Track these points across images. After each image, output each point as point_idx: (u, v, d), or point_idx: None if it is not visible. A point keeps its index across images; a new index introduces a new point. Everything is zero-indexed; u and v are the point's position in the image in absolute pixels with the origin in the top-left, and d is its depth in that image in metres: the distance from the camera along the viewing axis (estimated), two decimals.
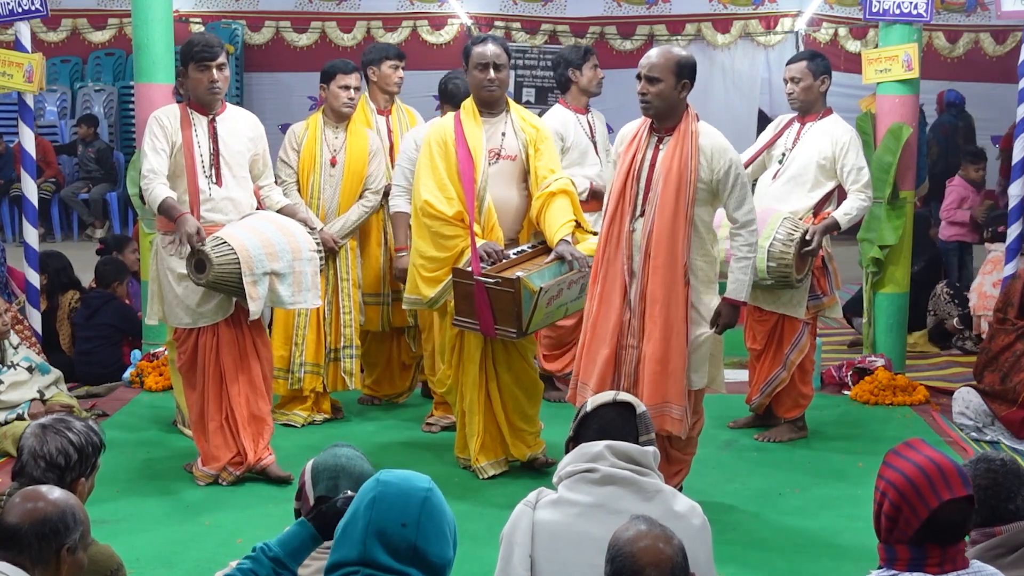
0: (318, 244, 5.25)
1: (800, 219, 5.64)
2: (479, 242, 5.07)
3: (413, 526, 2.26)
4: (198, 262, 4.92)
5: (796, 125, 5.88)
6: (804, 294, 5.73)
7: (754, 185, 6.15)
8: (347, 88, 6.08)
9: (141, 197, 5.29)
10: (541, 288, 4.86)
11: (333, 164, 6.12)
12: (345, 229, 6.09)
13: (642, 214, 4.54)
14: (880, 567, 2.58)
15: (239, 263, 4.91)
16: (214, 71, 5.10)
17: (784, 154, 5.85)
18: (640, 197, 4.55)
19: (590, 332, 4.68)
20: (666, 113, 4.56)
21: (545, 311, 4.98)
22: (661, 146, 4.56)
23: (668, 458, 4.57)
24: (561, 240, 5.03)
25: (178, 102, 5.45)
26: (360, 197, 6.16)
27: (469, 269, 5.00)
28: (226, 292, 5.05)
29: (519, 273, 4.91)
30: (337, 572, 2.30)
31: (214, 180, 5.13)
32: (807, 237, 5.51)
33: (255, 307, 5.01)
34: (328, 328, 6.17)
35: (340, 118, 6.15)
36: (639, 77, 4.56)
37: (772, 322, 5.84)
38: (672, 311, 4.51)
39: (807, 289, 5.73)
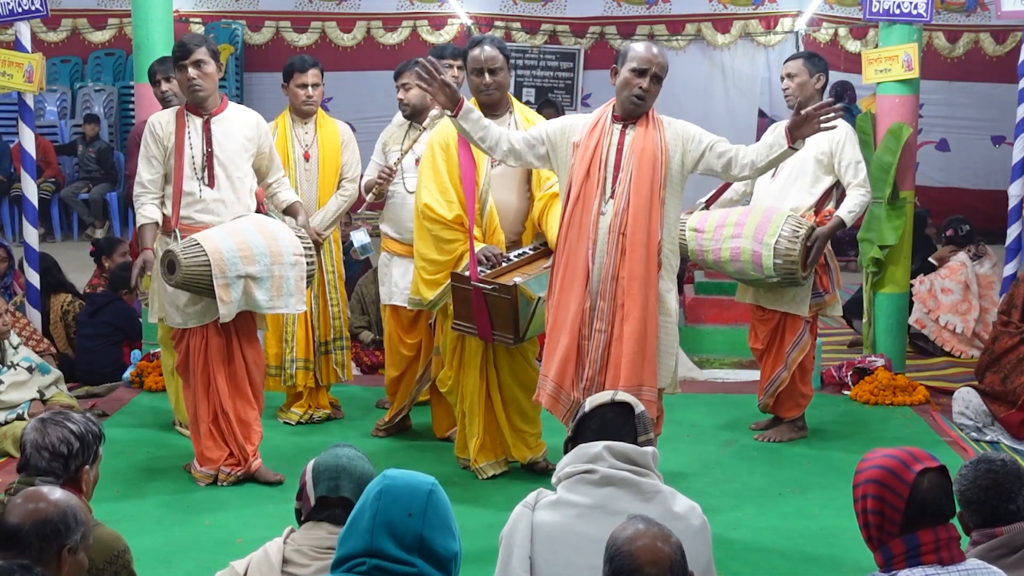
0: (308, 249, 5.23)
1: (802, 216, 5.65)
2: (478, 246, 5.06)
3: (419, 516, 2.30)
4: (169, 263, 4.93)
5: None
6: (808, 291, 5.74)
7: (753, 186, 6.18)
8: (304, 86, 6.09)
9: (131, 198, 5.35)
10: (540, 297, 4.84)
11: (307, 159, 6.14)
12: (326, 221, 6.10)
13: (612, 196, 4.51)
14: (876, 574, 2.60)
15: (210, 265, 4.91)
16: (190, 69, 5.07)
17: None
18: (609, 181, 4.52)
19: (551, 322, 4.64)
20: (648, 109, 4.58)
21: (543, 318, 4.97)
22: (627, 131, 4.54)
23: None
24: None
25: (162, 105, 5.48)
26: (338, 188, 6.18)
27: (467, 274, 4.99)
28: (199, 293, 5.05)
29: (517, 279, 4.90)
30: (344, 566, 2.32)
31: (206, 182, 5.12)
32: (810, 242, 5.51)
33: (225, 310, 5.00)
34: (317, 322, 6.19)
35: (303, 115, 6.18)
36: (642, 73, 4.50)
37: (775, 321, 5.85)
38: (650, 290, 4.48)
39: (811, 286, 5.75)
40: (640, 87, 4.48)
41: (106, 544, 2.99)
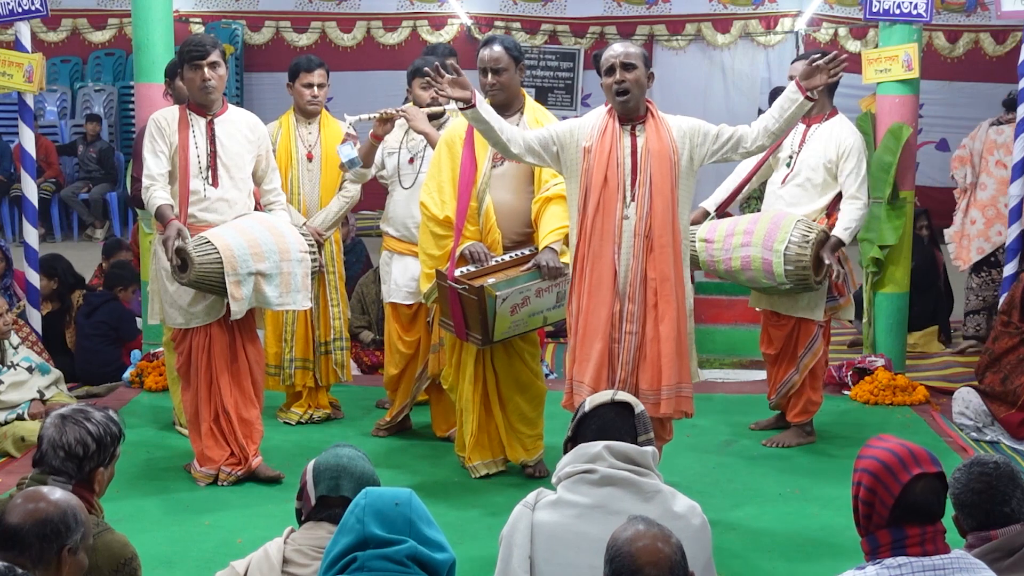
0: (311, 246, 5.25)
1: (814, 220, 5.63)
2: (466, 243, 5.08)
3: (406, 505, 2.43)
4: (181, 261, 4.94)
5: (801, 127, 5.80)
6: (823, 296, 5.71)
7: (762, 189, 6.17)
8: (310, 86, 6.10)
9: (137, 200, 5.31)
10: (498, 295, 4.85)
11: (310, 159, 6.15)
12: (327, 222, 6.11)
13: (633, 199, 4.51)
14: (864, 564, 2.62)
15: (222, 263, 4.92)
16: (205, 70, 5.09)
17: (791, 156, 5.81)
18: (628, 184, 4.52)
19: (581, 329, 4.63)
20: (640, 102, 4.56)
21: (511, 320, 4.96)
22: (637, 133, 4.55)
23: None
24: (546, 247, 5.01)
25: (177, 103, 5.46)
26: (339, 189, 6.18)
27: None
28: (210, 291, 5.06)
29: (491, 280, 4.91)
30: (336, 567, 2.35)
31: (210, 181, 5.14)
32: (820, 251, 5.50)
33: (237, 307, 5.02)
34: (316, 322, 6.20)
35: (308, 115, 6.18)
36: (609, 71, 4.52)
37: (789, 327, 5.82)
38: (679, 288, 4.52)
39: (825, 290, 5.71)
40: (614, 82, 4.52)
41: (114, 551, 2.97)
